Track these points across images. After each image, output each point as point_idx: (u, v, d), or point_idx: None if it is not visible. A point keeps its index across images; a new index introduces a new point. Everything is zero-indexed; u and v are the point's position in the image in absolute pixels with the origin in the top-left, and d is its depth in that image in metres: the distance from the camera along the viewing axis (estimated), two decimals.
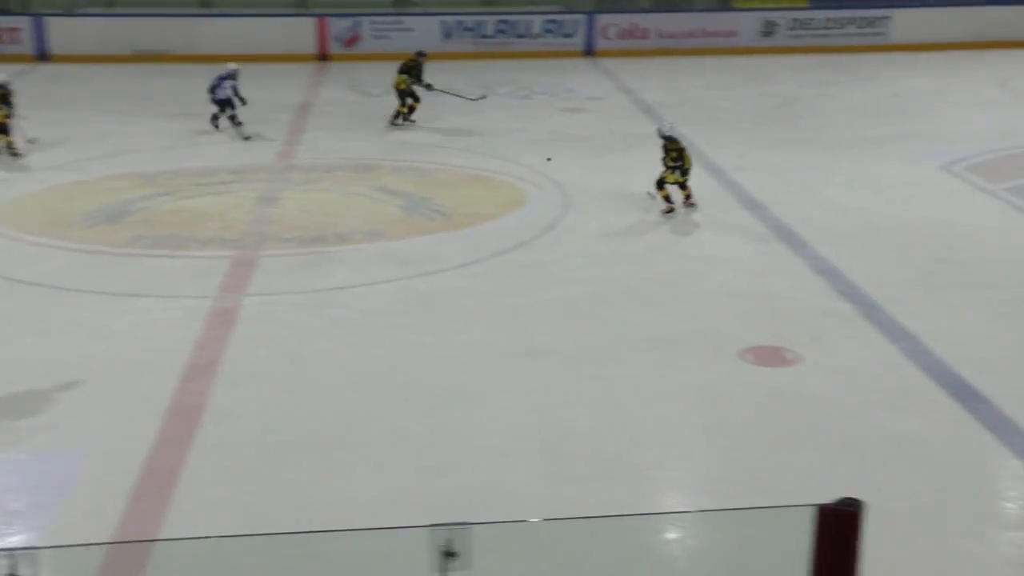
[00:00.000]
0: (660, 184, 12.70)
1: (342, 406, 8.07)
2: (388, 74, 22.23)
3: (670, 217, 12.55)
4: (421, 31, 24.42)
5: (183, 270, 11.03)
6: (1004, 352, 8.98)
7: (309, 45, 24.59)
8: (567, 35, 25.03)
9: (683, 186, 12.75)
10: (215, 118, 17.07)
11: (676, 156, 12.62)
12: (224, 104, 16.84)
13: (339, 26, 24.73)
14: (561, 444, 7.53)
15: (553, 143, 16.46)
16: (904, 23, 25.53)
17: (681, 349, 9.10)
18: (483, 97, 18.39)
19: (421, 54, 17.72)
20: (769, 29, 25.29)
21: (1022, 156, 15.34)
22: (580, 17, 25.28)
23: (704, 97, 20.19)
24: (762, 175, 14.48)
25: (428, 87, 17.42)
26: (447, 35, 24.65)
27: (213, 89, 16.83)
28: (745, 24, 25.43)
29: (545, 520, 5.89)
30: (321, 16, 24.82)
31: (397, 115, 17.56)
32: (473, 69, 22.84)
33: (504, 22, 24.98)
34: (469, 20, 24.89)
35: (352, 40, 24.62)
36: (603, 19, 25.31)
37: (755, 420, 7.89)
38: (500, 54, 24.40)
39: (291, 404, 8.09)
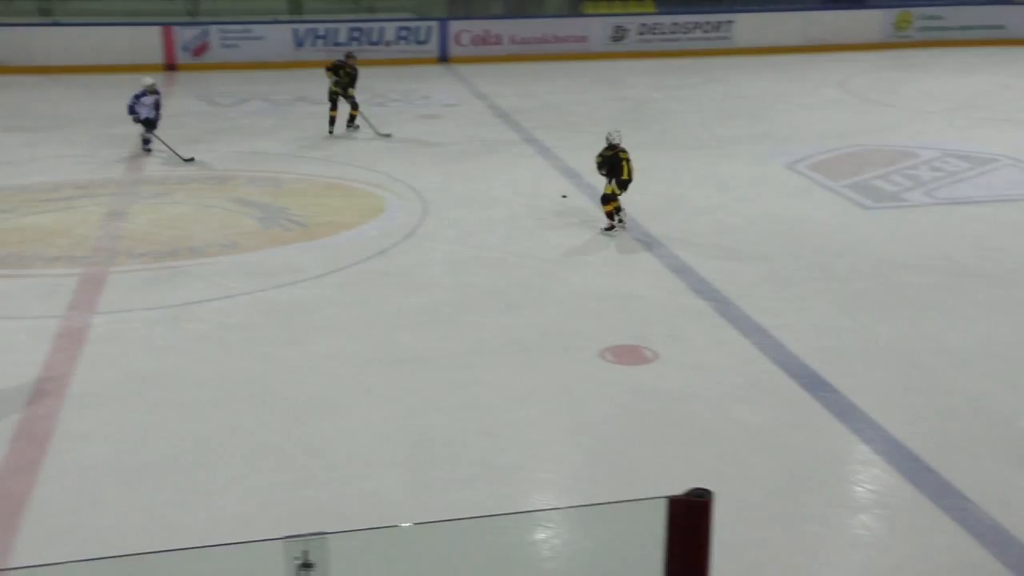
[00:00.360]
0: (606, 200, 12.14)
1: (201, 423, 7.87)
2: (239, 83, 21.97)
3: (611, 235, 12.18)
4: (272, 39, 24.05)
5: (27, 290, 10.59)
6: (849, 342, 9.33)
7: (156, 55, 23.90)
8: (420, 42, 25.00)
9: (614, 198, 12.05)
10: (146, 142, 16.14)
11: (610, 168, 11.95)
12: (148, 123, 15.97)
13: (186, 35, 24.14)
14: (426, 450, 7.51)
15: (410, 150, 16.42)
16: (746, 27, 26.32)
17: (543, 351, 9.18)
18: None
19: (350, 56, 18.01)
20: (619, 34, 25.75)
21: (861, 154, 15.99)
22: (433, 24, 25.27)
23: (559, 101, 20.40)
24: None
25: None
26: (299, 44, 24.33)
27: (132, 109, 15.79)
28: (596, 29, 25.83)
29: (403, 526, 5.86)
30: (167, 25, 24.18)
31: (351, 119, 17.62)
32: (326, 77, 22.57)
33: (357, 30, 24.79)
34: (321, 28, 24.61)
35: (200, 49, 24.07)
36: (456, 25, 25.35)
37: (616, 417, 8.02)
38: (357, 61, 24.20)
39: (147, 424, 7.85)
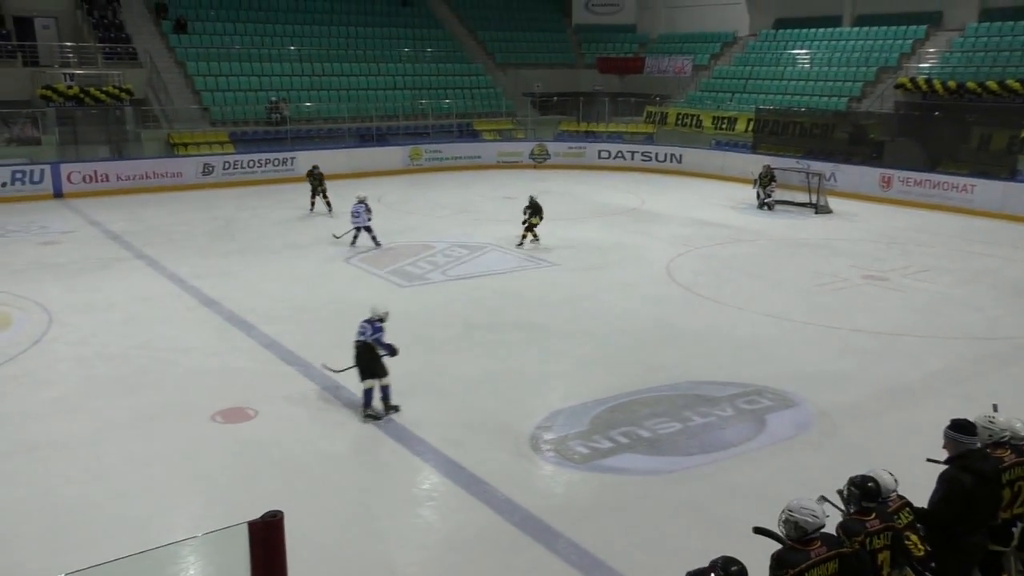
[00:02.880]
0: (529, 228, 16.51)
1: None
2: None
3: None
4: None
5: None
6: (398, 383, 9.56)
7: None
8: (35, 182, 22.39)
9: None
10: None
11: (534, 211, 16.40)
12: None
13: None
14: (62, 520, 6.71)
15: (32, 271, 14.61)
16: (305, 161, 26.32)
17: (164, 422, 8.58)
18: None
19: None
20: (208, 169, 24.83)
21: (397, 248, 16.47)
22: (46, 167, 22.73)
23: (163, 223, 19.14)
24: (214, 279, 14.09)
25: None
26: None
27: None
28: (188, 166, 24.68)
29: None
30: None
31: None
32: None
33: None
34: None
35: None
36: (67, 167, 23.00)
37: (230, 464, 7.71)
38: None
39: None
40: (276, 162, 26.08)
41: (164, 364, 10.21)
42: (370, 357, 8.59)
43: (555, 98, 33.45)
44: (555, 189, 23.12)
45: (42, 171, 22.60)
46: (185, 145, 25.74)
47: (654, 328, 11.65)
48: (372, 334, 8.64)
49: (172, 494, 7.21)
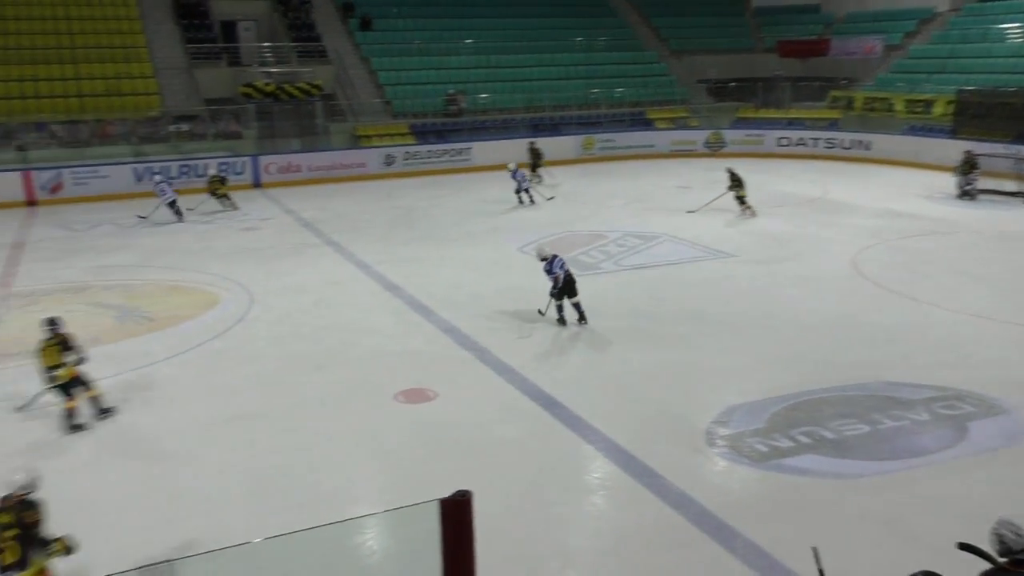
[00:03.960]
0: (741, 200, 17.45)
1: (75, 483, 7.26)
2: (94, 213, 20.54)
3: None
4: (115, 177, 22.72)
5: None
6: (570, 371, 9.75)
7: (17, 194, 22.05)
8: (238, 173, 24.26)
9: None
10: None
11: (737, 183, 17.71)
12: None
13: (43, 177, 22.42)
14: (264, 486, 7.25)
15: (235, 255, 15.85)
16: (481, 151, 27.13)
17: (350, 400, 9.06)
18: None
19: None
20: (390, 160, 25.97)
21: (568, 238, 16.55)
22: (246, 159, 24.62)
23: (349, 212, 20.26)
24: (396, 265, 14.73)
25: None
26: (139, 179, 23.07)
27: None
28: (372, 157, 25.94)
29: (241, 545, 5.62)
30: (26, 170, 22.40)
31: None
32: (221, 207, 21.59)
33: (185, 166, 23.80)
34: (156, 165, 23.46)
35: (56, 187, 22.40)
36: (265, 159, 24.79)
37: (410, 443, 8.02)
38: (185, 190, 23.16)
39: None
40: (453, 152, 26.87)
41: (350, 345, 10.78)
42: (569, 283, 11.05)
43: (731, 84, 32.37)
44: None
45: (243, 163, 24.46)
46: (369, 137, 27.03)
47: (839, 324, 11.07)
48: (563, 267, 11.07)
49: (358, 468, 7.62)
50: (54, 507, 5.57)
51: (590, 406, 8.67)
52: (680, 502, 6.85)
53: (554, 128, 29.30)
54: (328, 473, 7.46)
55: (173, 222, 18.86)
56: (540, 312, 11.49)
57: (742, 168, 19.22)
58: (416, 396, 9.06)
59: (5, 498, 5.33)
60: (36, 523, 5.30)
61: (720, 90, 32.55)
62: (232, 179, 22.97)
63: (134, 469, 7.57)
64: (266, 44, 29.68)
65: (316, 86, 27.29)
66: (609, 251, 15.52)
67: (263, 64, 28.31)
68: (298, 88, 27.04)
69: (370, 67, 29.57)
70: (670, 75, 32.71)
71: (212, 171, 21.60)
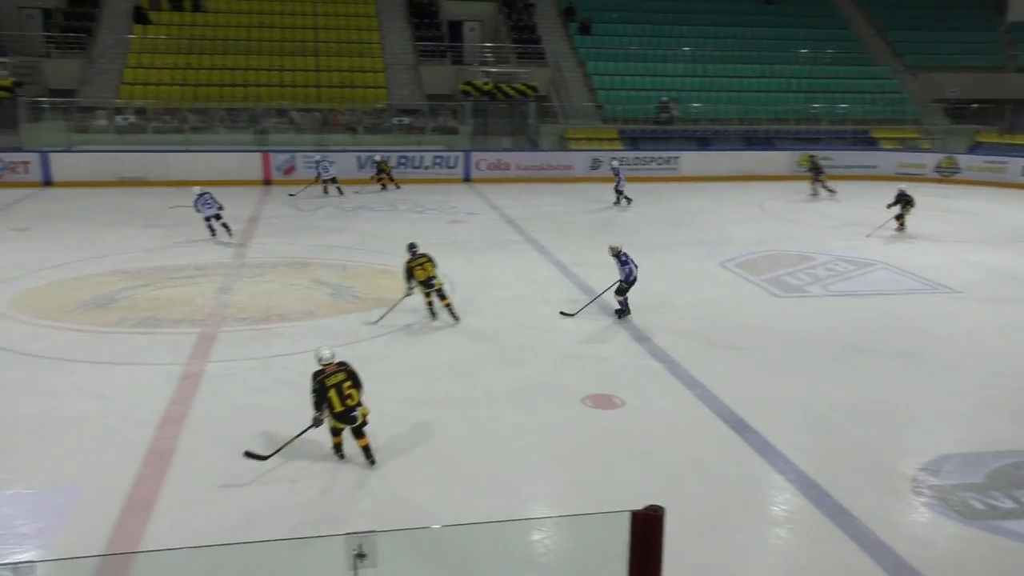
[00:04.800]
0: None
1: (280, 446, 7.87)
2: (320, 196, 22.20)
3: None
4: (341, 163, 24.38)
5: (159, 344, 10.64)
6: (765, 395, 9.34)
7: (256, 173, 24.25)
8: (450, 167, 25.34)
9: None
10: (212, 230, 16.85)
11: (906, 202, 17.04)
12: (212, 217, 16.76)
13: (279, 159, 24.50)
14: (452, 470, 7.50)
15: (440, 245, 16.50)
16: (689, 161, 26.70)
17: (538, 397, 9.19)
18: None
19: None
20: (596, 164, 26.12)
21: (773, 257, 16.07)
22: (459, 154, 25.65)
23: (551, 212, 20.61)
24: (593, 269, 14.70)
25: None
26: (361, 166, 24.66)
27: (199, 207, 16.69)
28: (579, 160, 26.20)
29: (433, 527, 5.84)
30: (265, 152, 24.57)
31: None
32: (381, 192, 22.95)
33: (404, 157, 25.15)
34: (377, 155, 24.96)
35: (289, 169, 24.40)
36: (476, 155, 25.71)
37: (593, 448, 8.01)
38: (402, 180, 24.53)
39: (241, 445, 7.84)
40: (660, 160, 26.60)
41: (543, 343, 10.94)
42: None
43: (973, 105, 29.79)
44: (964, 208, 20.67)
45: (456, 157, 25.50)
46: (578, 140, 27.32)
47: None
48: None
49: (540, 465, 7.71)
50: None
51: (783, 434, 8.28)
52: (876, 549, 6.39)
53: (767, 142, 28.32)
54: (511, 466, 7.61)
55: (385, 209, 19.95)
56: (565, 313, 11.93)
57: (976, 197, 17.64)
58: (603, 402, 9.04)
59: (339, 363, 7.46)
60: (356, 373, 7.50)
61: (959, 111, 30.05)
62: (444, 172, 24.03)
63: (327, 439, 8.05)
64: (488, 44, 30.76)
65: (531, 87, 27.93)
66: (817, 274, 14.76)
67: (483, 63, 29.36)
68: (514, 88, 27.80)
69: (585, 71, 29.88)
70: (902, 92, 30.61)
71: (377, 158, 23.51)
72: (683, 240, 17.48)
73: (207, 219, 16.83)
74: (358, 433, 7.47)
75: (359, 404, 7.34)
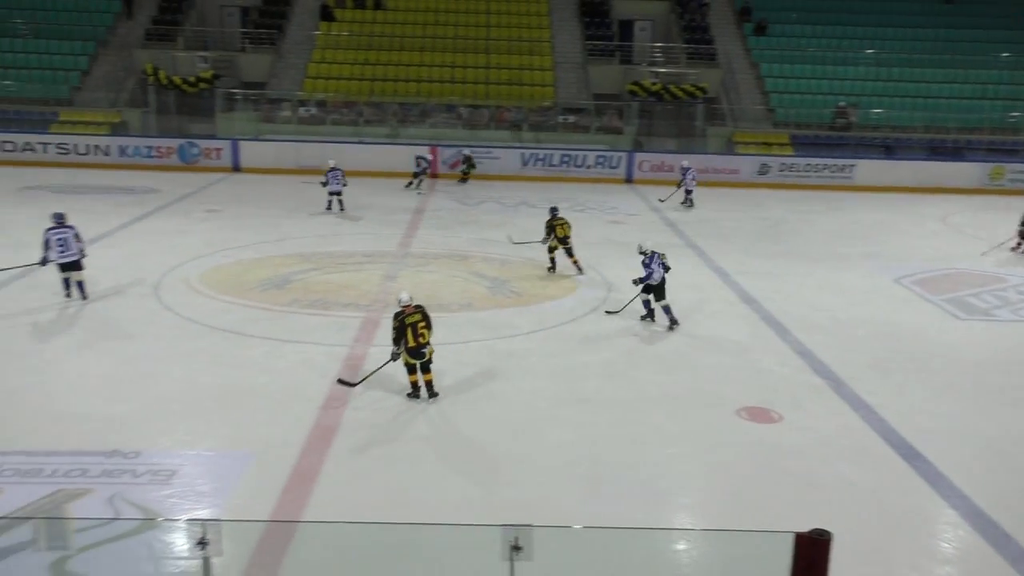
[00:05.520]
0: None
1: (435, 430, 8.11)
2: (483, 190, 22.72)
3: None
4: (506, 160, 24.81)
5: (327, 325, 11.18)
6: (940, 423, 8.74)
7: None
8: (612, 167, 25.25)
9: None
10: (330, 204, 18.94)
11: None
12: (336, 193, 18.87)
13: (446, 153, 25.23)
14: (599, 471, 7.48)
15: (599, 245, 16.50)
16: (866, 170, 25.35)
17: (690, 405, 9.01)
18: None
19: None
20: (764, 169, 25.27)
21: (956, 276, 15.01)
22: (623, 154, 25.50)
23: (712, 217, 20.13)
24: (755, 278, 14.33)
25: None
26: (524, 163, 25.01)
27: (329, 180, 18.79)
28: (746, 165, 25.44)
29: (583, 528, 5.83)
30: (433, 146, 25.36)
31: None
32: (542, 189, 23.13)
33: (567, 156, 25.28)
34: (541, 153, 25.26)
35: (455, 164, 25.07)
36: (640, 156, 25.48)
37: (746, 463, 7.76)
38: (562, 178, 24.67)
39: (399, 426, 8.16)
40: (834, 168, 25.43)
41: (698, 351, 10.70)
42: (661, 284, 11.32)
43: None
44: None
45: (619, 158, 25.38)
46: (746, 144, 26.52)
47: None
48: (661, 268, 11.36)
49: (691, 474, 7.55)
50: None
51: (959, 466, 7.70)
52: None
53: (955, 152, 26.40)
54: (660, 473, 7.50)
55: (545, 206, 20.07)
56: (609, 312, 12.03)
57: None
58: (759, 415, 8.74)
59: (415, 306, 8.71)
60: (429, 317, 8.71)
61: None
62: (606, 172, 23.95)
63: (480, 430, 8.22)
64: (658, 44, 30.38)
65: (701, 88, 27.36)
66: (1007, 297, 13.62)
67: (652, 63, 29.03)
68: (682, 89, 27.33)
69: (758, 73, 28.93)
70: None
71: (467, 152, 24.23)
72: (855, 253, 16.62)
73: (331, 193, 18.84)
74: (425, 368, 8.70)
75: (428, 343, 8.59)
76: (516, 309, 12.17)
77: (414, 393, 8.73)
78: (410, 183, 22.75)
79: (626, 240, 17.09)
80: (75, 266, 11.59)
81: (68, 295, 11.75)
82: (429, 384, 8.72)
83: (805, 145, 26.61)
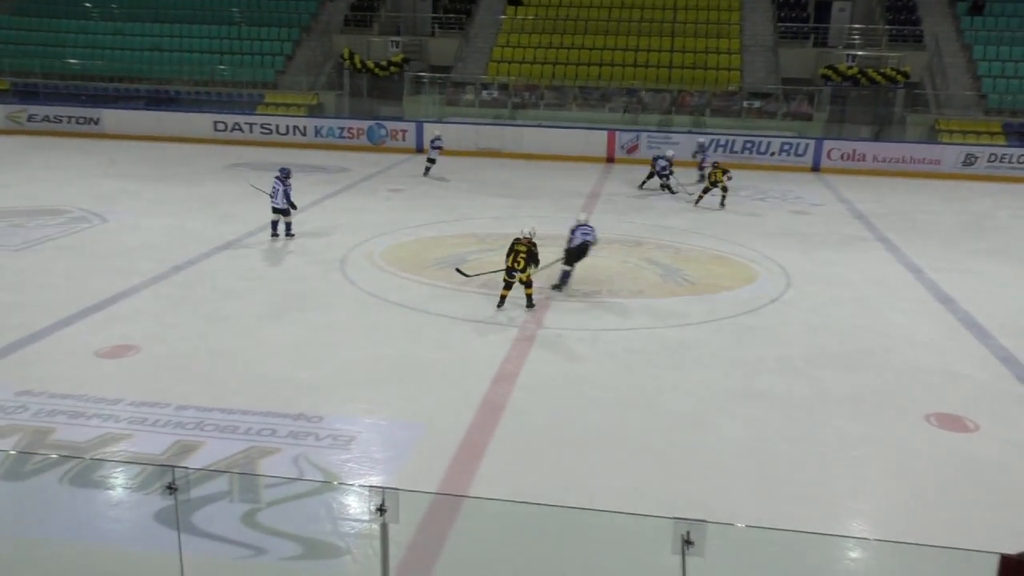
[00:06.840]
0: None
1: (603, 416, 8.08)
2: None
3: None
4: (684, 144, 24.25)
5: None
6: None
7: (600, 150, 24.97)
8: (798, 155, 24.09)
9: None
10: (427, 169, 20.82)
11: None
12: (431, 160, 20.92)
13: (624, 138, 24.99)
14: (771, 469, 7.19)
15: (781, 236, 15.84)
16: None
17: (875, 407, 8.47)
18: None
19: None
20: (970, 160, 23.27)
21: None
22: (810, 141, 24.26)
23: (909, 210, 18.79)
24: (953, 275, 13.28)
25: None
26: (703, 149, 24.33)
27: (431, 146, 21.16)
28: (949, 155, 23.51)
29: (757, 528, 5.62)
30: (611, 130, 25.19)
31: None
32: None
33: (750, 142, 24.37)
34: (722, 138, 24.48)
35: (632, 148, 24.80)
36: (829, 144, 24.15)
37: (935, 474, 7.22)
38: (744, 165, 23.82)
39: (566, 409, 8.19)
40: None
41: (887, 351, 10.04)
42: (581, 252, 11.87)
43: None
44: None
45: (806, 145, 24.17)
46: (951, 132, 24.52)
47: None
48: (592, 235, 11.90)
49: (873, 480, 7.10)
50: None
51: None
52: None
53: None
54: (838, 476, 7.11)
55: (724, 195, 19.49)
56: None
57: None
58: (952, 423, 8.09)
59: (525, 239, 10.82)
60: (535, 253, 10.77)
61: None
62: (791, 160, 22.89)
63: (648, 420, 8.10)
64: (857, 26, 28.62)
65: (903, 72, 25.54)
66: None
67: (848, 46, 27.39)
68: (881, 73, 25.62)
69: (970, 56, 26.62)
70: None
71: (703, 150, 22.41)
72: None
73: (429, 159, 20.87)
74: (526, 285, 10.92)
75: (521, 271, 10.69)
76: (689, 298, 11.90)
77: (500, 303, 10.91)
78: (643, 183, 20.75)
79: (810, 231, 16.33)
80: (283, 212, 14.36)
81: (275, 235, 14.42)
82: (528, 297, 11.03)
83: (1019, 134, 24.24)
